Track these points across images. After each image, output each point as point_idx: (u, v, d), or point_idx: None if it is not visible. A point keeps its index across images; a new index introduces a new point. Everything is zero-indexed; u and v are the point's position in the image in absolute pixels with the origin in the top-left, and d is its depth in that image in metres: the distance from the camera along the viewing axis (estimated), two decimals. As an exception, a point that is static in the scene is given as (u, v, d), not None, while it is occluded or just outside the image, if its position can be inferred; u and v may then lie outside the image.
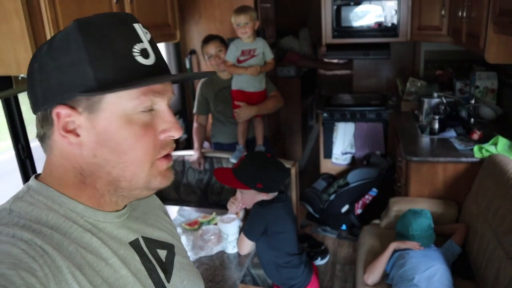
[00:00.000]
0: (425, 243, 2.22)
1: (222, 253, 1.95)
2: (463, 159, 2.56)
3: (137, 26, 0.71)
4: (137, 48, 0.69)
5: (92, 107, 0.68)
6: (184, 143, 3.74)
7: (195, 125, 3.01)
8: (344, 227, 3.61)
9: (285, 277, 1.97)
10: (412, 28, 3.46)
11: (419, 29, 3.42)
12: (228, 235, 1.91)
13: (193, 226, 2.16)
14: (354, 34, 3.66)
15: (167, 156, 0.76)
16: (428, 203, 2.57)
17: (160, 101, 0.73)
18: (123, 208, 0.80)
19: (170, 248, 0.87)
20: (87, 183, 0.73)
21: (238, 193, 1.99)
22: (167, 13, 2.59)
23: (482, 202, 2.27)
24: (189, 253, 1.97)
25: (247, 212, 2.05)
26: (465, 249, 2.28)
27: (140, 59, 0.69)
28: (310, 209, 3.69)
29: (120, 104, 0.69)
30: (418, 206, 2.44)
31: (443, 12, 3.16)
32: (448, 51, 3.76)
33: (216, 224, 2.12)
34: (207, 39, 2.83)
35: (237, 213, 2.06)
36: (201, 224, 2.18)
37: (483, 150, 2.49)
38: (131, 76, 0.68)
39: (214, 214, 2.25)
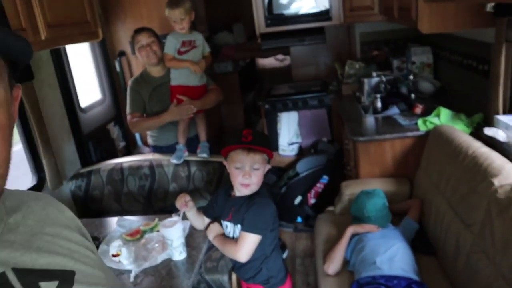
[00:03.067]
0: (381, 223, 2.15)
1: (168, 261, 1.76)
2: (409, 134, 2.53)
3: None
4: None
5: None
6: (123, 151, 3.50)
7: (132, 120, 2.69)
8: (299, 219, 3.50)
9: (276, 269, 1.75)
10: (344, 10, 3.41)
11: (351, 10, 3.38)
12: (172, 240, 1.72)
13: (135, 236, 1.96)
14: (287, 21, 3.56)
15: None
16: (380, 183, 2.52)
17: None
18: None
19: (65, 277, 0.67)
20: None
21: (252, 174, 1.61)
22: (84, 9, 2.39)
23: (433, 174, 2.23)
24: (132, 266, 1.79)
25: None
26: (422, 224, 2.23)
27: None
28: (263, 205, 3.56)
29: None
30: (370, 187, 2.37)
31: (373, -10, 3.14)
32: (382, 32, 3.79)
33: (159, 231, 1.93)
34: (140, 29, 2.64)
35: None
36: (144, 232, 1.98)
37: (427, 123, 2.47)
38: None
39: (156, 220, 2.05)
